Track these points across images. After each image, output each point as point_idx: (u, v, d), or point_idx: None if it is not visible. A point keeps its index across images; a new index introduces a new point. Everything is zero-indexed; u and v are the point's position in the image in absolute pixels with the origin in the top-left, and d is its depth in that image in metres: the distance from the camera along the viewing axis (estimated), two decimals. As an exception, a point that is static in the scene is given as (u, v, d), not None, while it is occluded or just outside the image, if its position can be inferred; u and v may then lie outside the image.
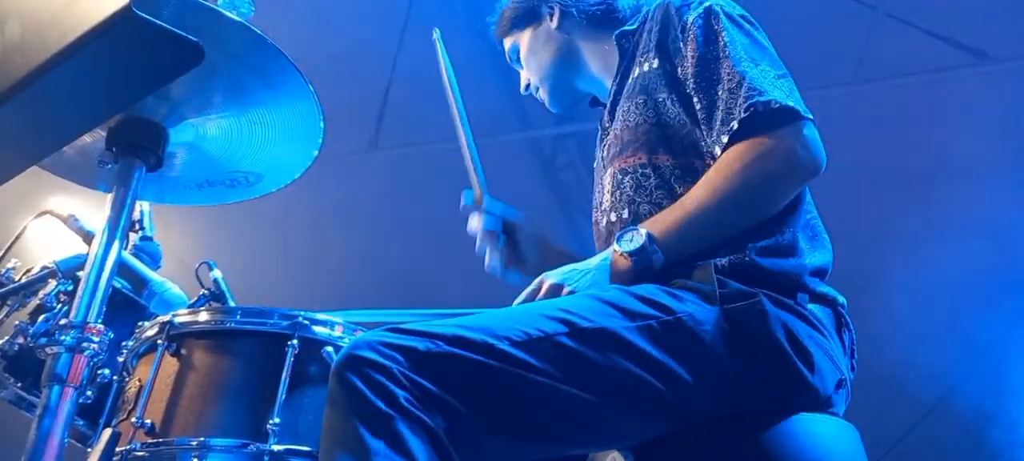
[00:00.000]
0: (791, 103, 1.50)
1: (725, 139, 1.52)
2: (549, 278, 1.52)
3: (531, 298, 1.52)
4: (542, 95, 2.03)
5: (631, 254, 1.50)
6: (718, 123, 1.54)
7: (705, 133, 1.58)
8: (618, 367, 1.34)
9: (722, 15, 1.62)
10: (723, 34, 1.59)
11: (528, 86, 2.06)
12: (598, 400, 1.34)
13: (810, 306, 1.49)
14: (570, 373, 1.32)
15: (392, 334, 1.27)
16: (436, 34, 2.00)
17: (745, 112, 1.49)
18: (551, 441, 1.37)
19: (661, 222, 1.52)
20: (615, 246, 1.53)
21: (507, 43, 2.07)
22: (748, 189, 1.48)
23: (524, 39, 2.01)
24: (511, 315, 1.37)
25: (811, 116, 1.52)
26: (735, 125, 1.50)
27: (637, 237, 1.50)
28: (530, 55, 2.00)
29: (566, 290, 1.49)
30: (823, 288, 1.55)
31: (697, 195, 1.51)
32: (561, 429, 1.35)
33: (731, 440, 1.40)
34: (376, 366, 1.22)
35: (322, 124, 1.70)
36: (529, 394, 1.30)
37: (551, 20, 1.96)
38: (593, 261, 1.54)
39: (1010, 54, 5.23)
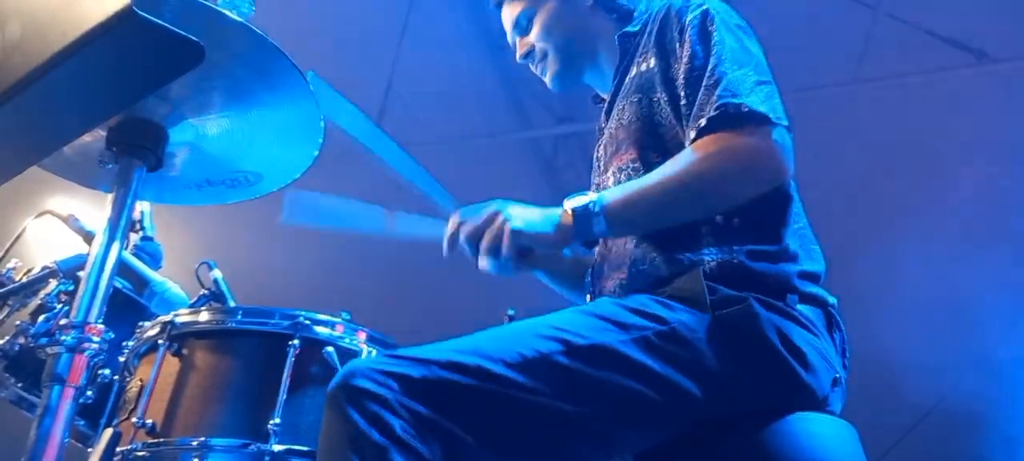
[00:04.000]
0: (763, 109, 1.49)
1: (693, 134, 1.52)
2: (496, 205, 1.56)
3: (473, 218, 1.56)
4: (549, 65, 1.94)
5: (574, 210, 1.52)
6: (691, 119, 1.55)
7: (683, 129, 1.59)
8: (615, 382, 1.34)
9: (717, 18, 1.63)
10: (714, 35, 1.60)
11: (526, 54, 1.97)
12: (598, 415, 1.34)
13: (800, 307, 1.49)
14: (567, 391, 1.32)
15: (387, 360, 1.28)
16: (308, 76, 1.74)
17: (715, 110, 1.49)
18: (552, 459, 1.37)
19: (614, 192, 1.55)
20: (565, 201, 1.55)
21: (517, 7, 1.97)
22: (701, 181, 1.49)
23: (548, 6, 1.93)
24: (505, 336, 1.37)
25: (785, 123, 1.51)
26: (703, 122, 1.50)
27: (586, 197, 1.53)
28: (554, 22, 1.92)
29: (501, 217, 1.53)
30: (813, 289, 1.55)
31: (654, 176, 1.52)
32: (561, 447, 1.35)
33: (730, 440, 1.40)
34: (371, 396, 1.22)
35: (322, 124, 1.70)
36: (527, 415, 1.30)
37: None
38: (548, 209, 1.57)
39: (1010, 54, 5.22)
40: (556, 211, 1.56)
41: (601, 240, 1.82)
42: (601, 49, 1.93)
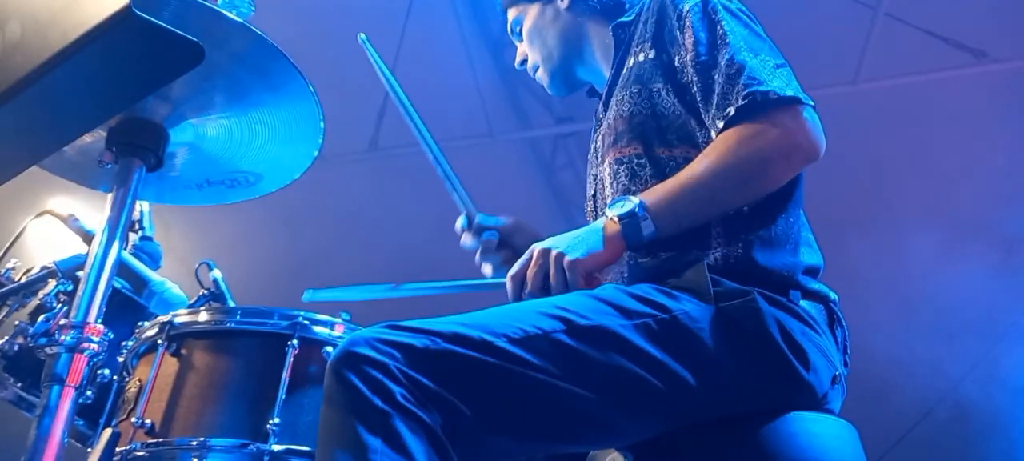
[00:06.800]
0: (789, 92, 1.50)
1: (720, 124, 1.51)
2: (539, 245, 1.52)
3: (524, 265, 1.51)
4: (541, 76, 1.99)
5: (620, 218, 1.49)
6: (714, 108, 1.54)
7: (702, 118, 1.58)
8: (615, 364, 1.34)
9: (719, 6, 1.62)
10: (722, 23, 1.59)
11: (524, 61, 2.02)
12: (595, 397, 1.34)
13: (803, 303, 1.49)
14: (567, 370, 1.32)
15: (389, 331, 1.27)
16: (362, 38, 1.84)
17: (743, 100, 1.49)
18: (549, 438, 1.37)
19: (654, 193, 1.52)
20: (607, 211, 1.53)
21: (511, 14, 2.02)
22: (743, 166, 1.48)
23: (531, 14, 1.97)
24: (509, 312, 1.36)
25: (812, 102, 1.52)
26: (731, 111, 1.50)
27: (628, 203, 1.50)
28: (534, 32, 1.96)
29: (555, 252, 1.48)
30: (815, 285, 1.55)
31: (692, 170, 1.51)
32: (559, 426, 1.36)
33: (731, 439, 1.40)
34: (373, 363, 1.21)
35: (322, 124, 1.70)
36: (527, 391, 1.30)
37: (562, 0, 1.93)
38: (584, 227, 1.54)
39: (1010, 54, 5.23)
40: (596, 225, 1.53)
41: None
42: (589, 46, 1.93)
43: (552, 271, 1.48)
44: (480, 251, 1.92)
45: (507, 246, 1.93)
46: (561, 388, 1.31)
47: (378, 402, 1.19)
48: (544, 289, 1.49)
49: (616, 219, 1.50)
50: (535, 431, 1.34)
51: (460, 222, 1.94)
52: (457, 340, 1.27)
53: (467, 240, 1.92)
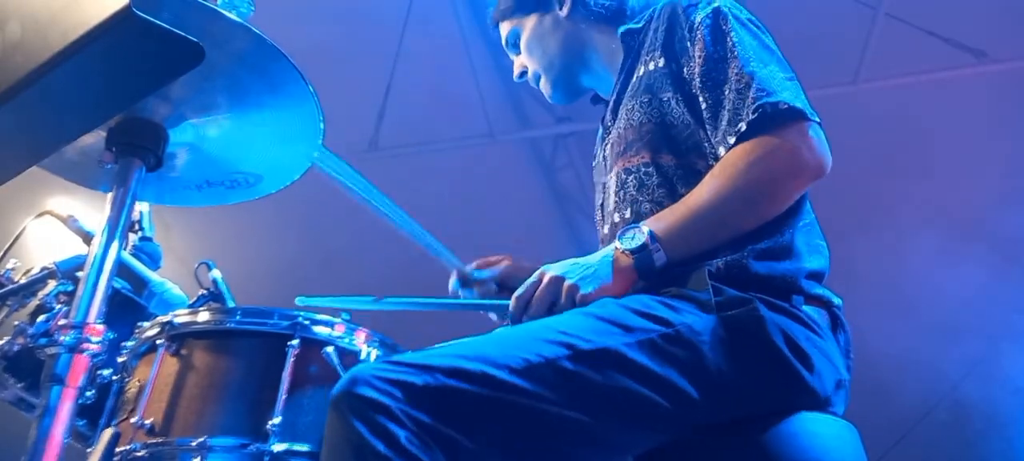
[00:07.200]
0: (799, 105, 1.49)
1: (732, 140, 1.51)
2: (551, 270, 1.51)
3: (532, 289, 1.51)
4: (543, 86, 1.98)
5: (632, 252, 1.49)
6: (725, 123, 1.53)
7: (710, 133, 1.58)
8: (620, 386, 1.33)
9: (730, 16, 1.61)
10: (731, 34, 1.58)
11: (523, 74, 2.01)
12: (602, 420, 1.33)
13: (805, 308, 1.49)
14: (573, 396, 1.31)
15: (390, 367, 1.26)
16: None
17: (754, 114, 1.48)
18: None
19: (663, 220, 1.51)
20: (617, 243, 1.52)
21: (505, 27, 2.00)
22: (751, 188, 1.48)
23: (528, 25, 1.95)
24: (510, 340, 1.35)
25: (818, 119, 1.51)
26: (743, 127, 1.49)
27: (639, 235, 1.49)
28: (535, 42, 1.94)
29: (567, 284, 1.48)
30: (818, 290, 1.54)
31: (700, 194, 1.50)
32: (564, 452, 1.35)
33: (732, 442, 1.40)
34: (375, 405, 1.21)
35: (322, 124, 1.70)
36: (532, 421, 1.29)
37: (561, 8, 1.91)
38: (595, 257, 1.54)
39: (1010, 54, 5.23)
40: (606, 255, 1.52)
41: (600, 239, 1.82)
42: (592, 53, 1.92)
43: (562, 301, 1.48)
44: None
45: (507, 288, 1.91)
46: (566, 415, 1.30)
47: (380, 447, 1.18)
48: (549, 314, 1.48)
49: (628, 253, 1.49)
50: (539, 458, 1.33)
51: (452, 283, 1.94)
52: (457, 375, 1.26)
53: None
